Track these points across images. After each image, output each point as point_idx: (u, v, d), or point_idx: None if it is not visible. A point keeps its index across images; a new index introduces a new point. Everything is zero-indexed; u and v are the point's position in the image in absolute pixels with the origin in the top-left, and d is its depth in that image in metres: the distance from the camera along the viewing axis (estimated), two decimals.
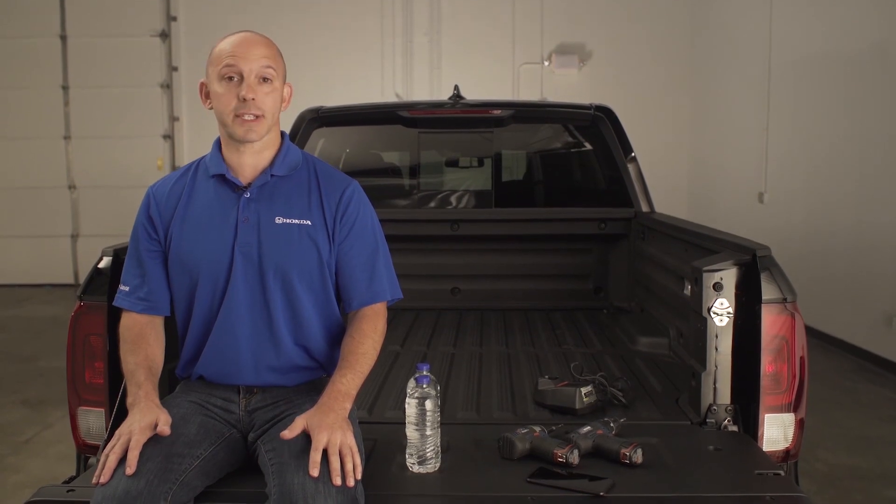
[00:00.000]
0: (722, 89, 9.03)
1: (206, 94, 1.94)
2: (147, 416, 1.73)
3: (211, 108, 1.92)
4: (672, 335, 2.99)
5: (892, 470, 3.99)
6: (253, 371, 1.91)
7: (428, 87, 9.92)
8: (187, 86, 9.91)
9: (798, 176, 7.13)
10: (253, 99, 1.85)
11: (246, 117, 1.86)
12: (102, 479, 1.62)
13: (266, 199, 1.93)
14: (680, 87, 9.94)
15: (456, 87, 4.14)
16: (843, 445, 4.30)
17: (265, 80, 1.88)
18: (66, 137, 10.02)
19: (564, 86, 9.89)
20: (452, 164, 4.38)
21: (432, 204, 4.17)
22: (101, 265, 2.25)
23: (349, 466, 1.66)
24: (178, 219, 1.93)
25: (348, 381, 1.83)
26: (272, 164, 1.95)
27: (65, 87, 9.96)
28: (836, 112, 6.49)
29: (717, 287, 2.19)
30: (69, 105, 10.00)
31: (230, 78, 1.87)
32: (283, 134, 2.02)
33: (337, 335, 2.00)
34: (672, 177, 9.82)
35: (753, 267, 2.16)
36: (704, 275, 2.19)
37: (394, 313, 2.15)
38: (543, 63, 9.85)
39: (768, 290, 2.11)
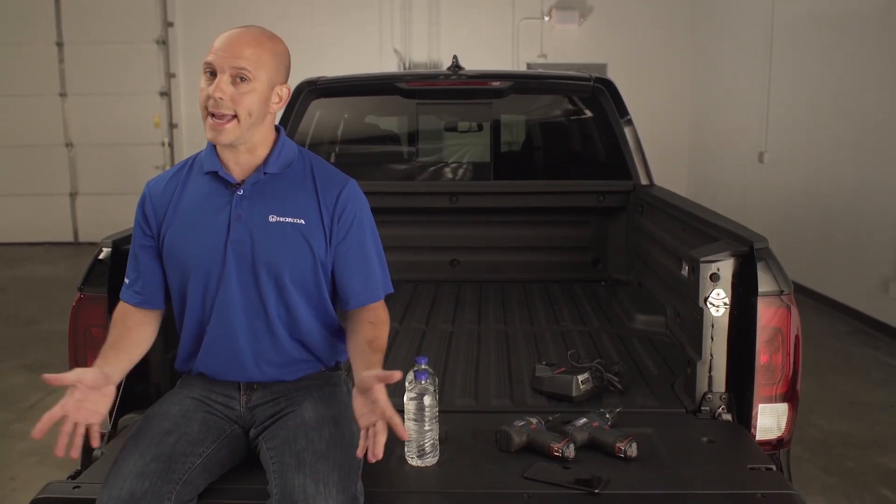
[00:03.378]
0: (723, 47, 8.92)
1: None
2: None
3: None
4: (669, 314, 3.01)
5: (884, 436, 4.06)
6: (253, 366, 1.93)
7: (427, 43, 9.82)
8: (183, 42, 9.80)
9: (799, 136, 7.10)
10: (221, 98, 1.80)
11: (215, 118, 1.82)
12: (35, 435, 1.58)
13: (259, 196, 1.91)
14: (681, 43, 9.83)
15: (455, 58, 4.10)
16: (836, 411, 4.37)
17: (242, 79, 1.82)
18: (62, 94, 9.95)
19: (564, 42, 9.79)
20: (451, 136, 4.37)
21: (431, 177, 4.17)
22: (100, 256, 2.26)
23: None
24: (170, 215, 1.93)
25: (378, 361, 1.82)
26: (266, 161, 1.93)
27: (59, 44, 9.84)
28: (838, 72, 6.43)
29: (714, 278, 2.20)
30: (64, 62, 9.90)
31: (209, 73, 1.84)
32: (278, 129, 1.99)
33: (332, 329, 2.02)
34: (672, 135, 9.78)
35: (751, 258, 2.16)
36: (702, 265, 2.21)
37: (394, 285, 2.18)
38: (543, 18, 9.73)
39: (765, 282, 2.12)
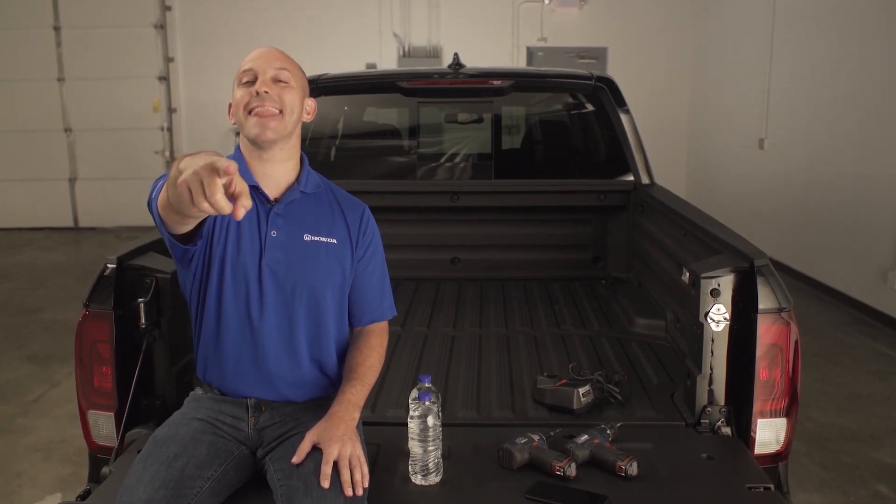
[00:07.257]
0: (724, 32, 8.88)
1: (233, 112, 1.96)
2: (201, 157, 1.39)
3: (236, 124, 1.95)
4: (668, 318, 3.03)
5: (880, 430, 4.09)
6: (266, 382, 1.96)
7: (427, 27, 9.76)
8: (182, 26, 9.73)
9: (799, 123, 7.08)
10: (266, 92, 1.86)
11: (259, 110, 1.86)
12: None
13: (293, 215, 1.96)
14: (682, 27, 9.79)
15: (455, 56, 4.08)
16: (833, 404, 4.41)
17: (280, 81, 1.91)
18: (60, 79, 9.92)
19: (565, 25, 9.74)
20: (452, 134, 4.37)
21: (432, 175, 4.17)
22: (105, 273, 2.27)
23: (357, 477, 1.75)
24: (219, 216, 1.89)
25: (357, 392, 1.92)
26: (298, 180, 1.99)
27: (56, 28, 9.79)
28: (838, 59, 6.41)
29: (715, 293, 2.22)
30: (61, 46, 9.86)
31: (247, 83, 1.90)
32: (303, 157, 2.05)
33: (345, 351, 2.07)
34: (672, 120, 9.76)
35: (751, 275, 2.18)
36: (702, 281, 2.22)
37: (395, 284, 2.23)
38: (544, 2, 9.67)
39: (765, 299, 2.14)
